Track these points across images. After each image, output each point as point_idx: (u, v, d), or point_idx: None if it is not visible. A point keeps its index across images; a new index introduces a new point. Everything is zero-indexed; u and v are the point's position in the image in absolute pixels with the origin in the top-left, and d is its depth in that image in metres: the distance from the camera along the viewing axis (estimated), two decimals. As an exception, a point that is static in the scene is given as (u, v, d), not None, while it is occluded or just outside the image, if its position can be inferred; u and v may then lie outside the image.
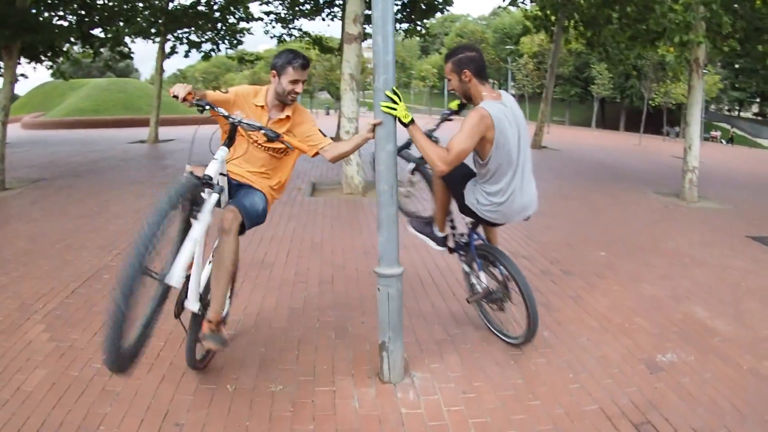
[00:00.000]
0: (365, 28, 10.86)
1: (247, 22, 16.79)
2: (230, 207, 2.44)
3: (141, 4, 13.56)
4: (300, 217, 6.18)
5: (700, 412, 2.45)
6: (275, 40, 17.92)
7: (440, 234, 3.24)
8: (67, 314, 3.31)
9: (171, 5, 14.85)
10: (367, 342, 2.99)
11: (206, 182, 2.22)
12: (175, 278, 2.05)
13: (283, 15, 17.49)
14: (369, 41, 11.66)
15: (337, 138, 8.98)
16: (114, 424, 2.22)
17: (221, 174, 2.42)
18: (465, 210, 2.95)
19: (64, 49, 10.80)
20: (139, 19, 13.51)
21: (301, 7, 17.34)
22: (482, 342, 3.09)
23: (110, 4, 12.02)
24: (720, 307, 3.85)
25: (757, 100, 46.14)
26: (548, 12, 14.79)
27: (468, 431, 2.23)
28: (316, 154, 2.66)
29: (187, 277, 2.28)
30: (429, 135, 2.74)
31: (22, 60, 9.28)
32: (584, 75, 46.80)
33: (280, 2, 17.18)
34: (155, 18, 14.23)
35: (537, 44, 44.60)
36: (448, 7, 17.29)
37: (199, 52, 16.51)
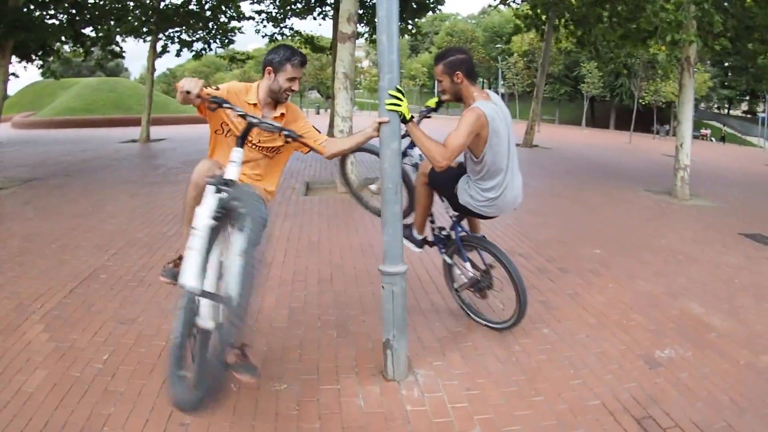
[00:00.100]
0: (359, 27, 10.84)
1: (239, 21, 16.78)
2: None
3: (132, 3, 13.47)
4: (295, 217, 6.17)
5: (699, 407, 2.49)
6: (265, 39, 17.86)
7: (419, 237, 3.34)
8: (65, 314, 3.29)
9: (162, 4, 14.77)
10: (369, 340, 3.00)
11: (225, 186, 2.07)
12: (235, 296, 1.81)
13: (274, 14, 17.44)
14: (360, 40, 11.66)
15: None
16: (118, 424, 2.21)
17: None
18: (460, 209, 3.05)
19: (55, 48, 10.71)
20: (130, 18, 13.42)
21: (292, 6, 17.29)
22: (483, 339, 3.11)
23: (101, 2, 11.92)
24: (715, 303, 3.90)
25: (747, 98, 46.65)
26: (539, 11, 14.87)
27: (473, 427, 2.25)
28: (309, 150, 2.59)
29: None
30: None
31: (13, 59, 9.19)
32: (574, 74, 47.07)
33: (272, 1, 17.14)
34: (147, 17, 14.15)
35: (527, 43, 44.82)
36: (439, 6, 17.33)
37: (191, 52, 16.44)
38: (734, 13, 8.11)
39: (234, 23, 16.75)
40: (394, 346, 2.51)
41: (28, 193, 7.44)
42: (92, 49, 13.40)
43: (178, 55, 16.29)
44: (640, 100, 34.00)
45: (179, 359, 1.92)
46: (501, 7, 17.24)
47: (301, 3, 17.24)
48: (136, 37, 14.70)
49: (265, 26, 17.74)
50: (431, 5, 16.67)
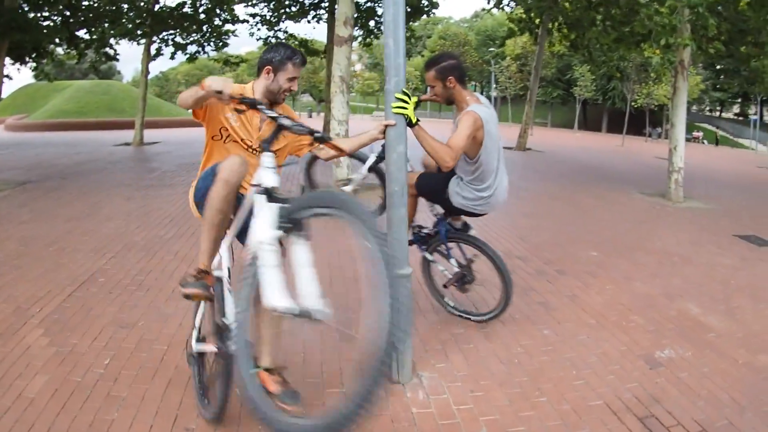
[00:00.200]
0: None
1: (233, 24, 16.74)
2: None
3: (126, 6, 13.43)
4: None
5: (701, 405, 2.52)
6: (257, 43, 17.88)
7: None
8: (65, 318, 3.26)
9: (157, 7, 14.73)
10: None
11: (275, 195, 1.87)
12: (320, 311, 1.61)
13: (268, 17, 17.44)
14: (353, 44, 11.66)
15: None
16: (122, 430, 2.19)
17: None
18: (454, 211, 3.17)
19: (49, 50, 10.66)
20: (124, 20, 13.38)
21: (286, 9, 17.30)
22: (485, 341, 3.13)
23: (95, 5, 11.88)
24: (712, 304, 3.94)
25: (738, 100, 47.11)
26: (533, 14, 14.96)
27: (480, 429, 2.25)
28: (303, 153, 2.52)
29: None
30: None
31: (7, 61, 9.14)
32: (566, 77, 47.38)
33: (266, 4, 17.14)
34: (141, 19, 14.11)
35: (520, 46, 45.02)
36: (434, 10, 17.39)
37: (185, 54, 16.40)
38: (727, 17, 8.21)
39: (228, 26, 16.74)
40: (399, 348, 2.51)
41: (23, 195, 7.38)
42: (86, 51, 13.34)
43: (172, 57, 16.24)
44: (633, 103, 34.24)
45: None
46: (494, 10, 17.35)
47: (295, 6, 17.26)
48: (130, 40, 14.66)
49: (259, 29, 17.77)
50: (426, 9, 16.73)
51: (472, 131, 2.75)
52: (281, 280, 1.61)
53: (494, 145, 2.92)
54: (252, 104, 1.98)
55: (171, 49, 15.99)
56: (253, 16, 17.29)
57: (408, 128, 2.53)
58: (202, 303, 2.32)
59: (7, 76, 9.40)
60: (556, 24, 14.46)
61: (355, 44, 15.73)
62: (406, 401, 2.44)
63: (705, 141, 40.01)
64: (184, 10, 15.13)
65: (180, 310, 3.44)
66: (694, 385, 2.71)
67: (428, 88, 2.99)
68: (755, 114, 35.58)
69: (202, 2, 15.48)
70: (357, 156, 3.55)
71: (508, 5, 16.56)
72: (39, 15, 9.53)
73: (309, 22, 17.55)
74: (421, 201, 3.33)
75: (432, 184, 3.14)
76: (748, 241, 6.01)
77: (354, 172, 7.86)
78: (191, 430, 2.20)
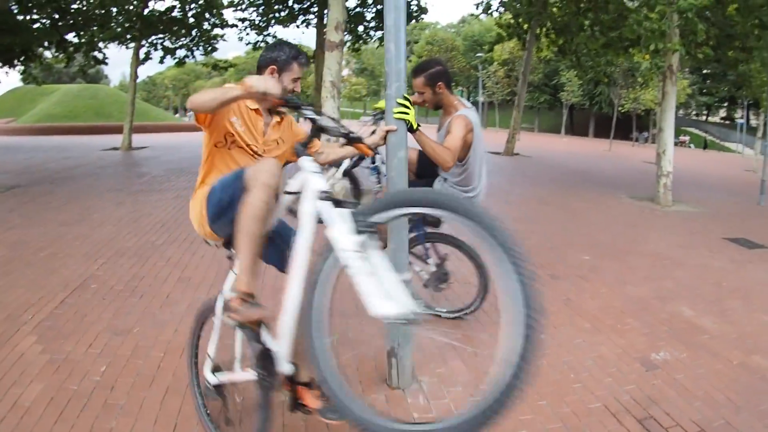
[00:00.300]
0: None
1: (222, 29, 16.70)
2: None
3: (115, 9, 13.34)
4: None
5: (697, 406, 2.55)
6: (245, 48, 17.89)
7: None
8: (58, 325, 3.22)
9: (146, 11, 14.65)
10: (370, 348, 3.00)
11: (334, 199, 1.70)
12: (422, 314, 1.48)
13: (257, 22, 17.43)
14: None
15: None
16: (121, 437, 2.17)
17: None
18: None
19: (38, 53, 10.55)
20: (113, 24, 13.29)
21: (275, 14, 17.29)
22: (482, 345, 3.13)
23: (84, 8, 11.78)
24: (704, 306, 3.99)
25: (725, 104, 47.77)
26: (521, 20, 15.08)
27: (481, 433, 2.26)
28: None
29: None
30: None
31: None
32: (553, 82, 47.68)
33: (255, 9, 17.13)
34: (130, 23, 14.03)
35: (507, 51, 45.30)
36: (422, 15, 17.48)
37: (174, 59, 16.32)
38: (715, 22, 8.34)
39: (217, 31, 16.71)
40: (399, 354, 2.51)
41: (12, 200, 7.28)
42: (75, 55, 13.22)
43: (161, 62, 16.15)
44: (620, 108, 34.59)
45: None
46: (482, 16, 17.46)
47: (284, 11, 17.25)
48: (119, 44, 14.56)
49: (248, 34, 17.82)
50: (415, 14, 16.81)
51: (464, 134, 2.86)
52: (381, 287, 1.47)
53: (480, 147, 3.05)
54: (297, 106, 1.84)
55: (160, 53, 15.92)
56: (242, 20, 17.27)
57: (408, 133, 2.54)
58: (216, 329, 2.05)
59: (-5, 79, 9.28)
60: (544, 29, 14.58)
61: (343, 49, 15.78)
62: (407, 406, 2.44)
63: (692, 145, 40.50)
64: (174, 14, 15.09)
65: (175, 316, 3.42)
66: (691, 386, 2.74)
67: (416, 94, 3.05)
68: (741, 118, 36.09)
69: (192, 6, 15.44)
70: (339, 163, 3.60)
71: (496, 11, 16.71)
72: (28, 18, 9.42)
73: (298, 26, 17.53)
74: None
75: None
76: (737, 244, 6.10)
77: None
78: (192, 438, 2.18)
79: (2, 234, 5.41)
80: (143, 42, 15.29)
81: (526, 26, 15.26)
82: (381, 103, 3.27)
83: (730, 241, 6.26)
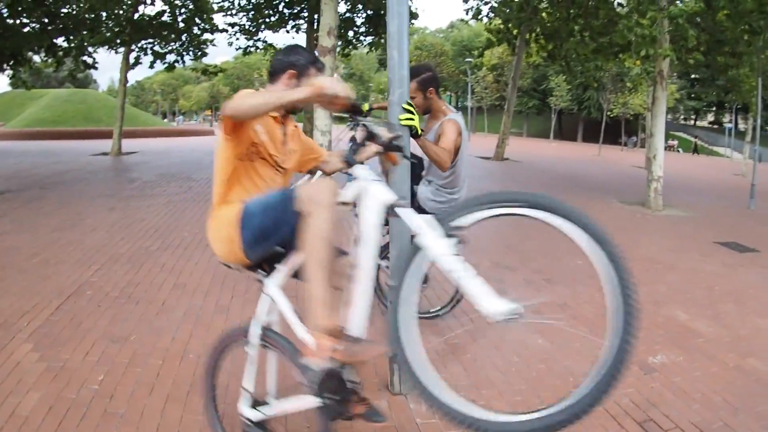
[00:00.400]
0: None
1: (211, 34, 16.68)
2: None
3: (105, 14, 13.28)
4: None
5: (696, 408, 2.59)
6: (233, 53, 17.92)
7: None
8: (54, 332, 3.18)
9: (136, 15, 14.60)
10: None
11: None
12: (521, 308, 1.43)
13: (247, 27, 17.42)
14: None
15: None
16: (122, 446, 2.15)
17: None
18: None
19: (27, 57, 10.46)
20: (103, 28, 13.22)
21: (265, 19, 17.29)
22: (481, 351, 3.15)
23: (74, 12, 11.71)
24: (698, 310, 4.04)
25: (713, 109, 48.43)
26: (510, 25, 15.19)
27: (484, 437, 2.26)
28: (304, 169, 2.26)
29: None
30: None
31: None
32: (542, 87, 48.10)
33: (244, 14, 17.12)
34: (120, 28, 13.96)
35: (496, 57, 45.61)
36: (413, 20, 17.58)
37: (164, 63, 16.26)
38: (705, 27, 8.47)
39: (207, 35, 16.69)
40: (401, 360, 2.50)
41: (3, 206, 7.18)
42: (64, 59, 13.13)
43: (151, 66, 16.08)
44: (608, 113, 34.95)
45: None
46: (471, 21, 17.58)
47: (274, 16, 17.26)
48: (109, 48, 14.48)
49: (237, 39, 17.74)
50: (405, 19, 16.89)
51: (456, 137, 2.99)
52: (488, 285, 1.44)
53: (466, 152, 3.17)
54: (360, 112, 1.75)
55: (150, 58, 15.86)
56: (232, 25, 17.26)
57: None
58: (252, 359, 1.87)
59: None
60: (534, 35, 14.71)
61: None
62: (410, 412, 2.43)
63: (680, 149, 40.96)
64: (164, 18, 15.04)
65: (172, 323, 3.40)
66: (688, 389, 2.77)
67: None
68: (730, 122, 36.62)
69: (182, 11, 15.41)
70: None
71: (486, 16, 16.84)
72: (18, 22, 9.33)
73: (288, 31, 17.54)
74: None
75: None
76: (728, 248, 6.18)
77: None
78: (194, 446, 2.16)
79: (-7, 240, 5.35)
80: (133, 47, 15.23)
81: (515, 32, 15.39)
82: (365, 107, 3.32)
83: (721, 245, 6.35)
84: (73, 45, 12.61)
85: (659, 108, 9.01)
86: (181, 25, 15.57)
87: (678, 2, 7.47)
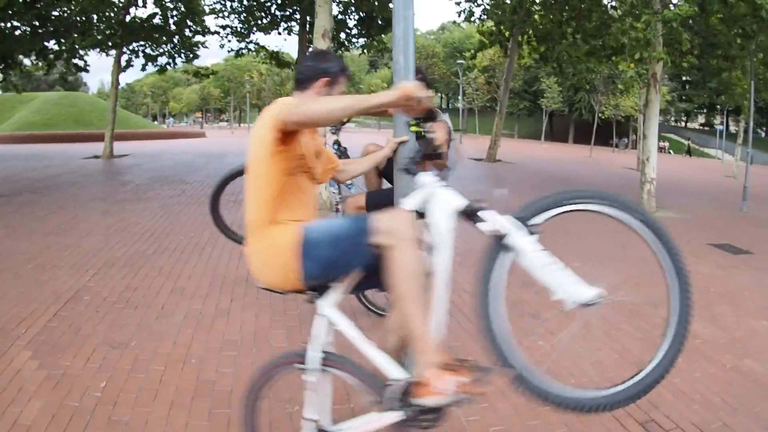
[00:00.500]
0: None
1: (203, 36, 16.62)
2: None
3: (96, 16, 13.21)
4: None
5: (695, 409, 2.63)
6: (223, 55, 17.88)
7: None
8: (53, 339, 3.16)
9: (128, 18, 14.53)
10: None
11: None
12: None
13: (239, 29, 17.37)
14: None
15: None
16: (128, 453, 2.14)
17: None
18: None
19: (18, 60, 10.38)
20: (95, 31, 13.15)
21: (257, 21, 17.25)
22: (482, 353, 3.15)
23: (66, 15, 11.64)
24: (695, 312, 4.06)
25: (704, 110, 48.87)
26: (502, 27, 15.27)
27: (490, 440, 2.28)
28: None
29: None
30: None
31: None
32: (533, 89, 48.33)
33: (236, 16, 17.08)
34: (112, 30, 13.90)
35: (488, 58, 45.77)
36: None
37: (155, 66, 16.19)
38: (698, 31, 8.56)
39: (198, 38, 16.64)
40: (406, 364, 2.51)
41: (-5, 211, 7.13)
42: (55, 62, 13.05)
43: (143, 69, 16.00)
44: (600, 114, 35.19)
45: None
46: (462, 25, 17.65)
47: (266, 18, 17.23)
48: (101, 51, 14.42)
49: (229, 41, 17.69)
50: (398, 22, 16.92)
51: (447, 137, 3.12)
52: (573, 274, 1.53)
53: (452, 151, 3.29)
54: (433, 118, 1.72)
55: (141, 60, 15.79)
56: (224, 27, 17.19)
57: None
58: (313, 385, 1.74)
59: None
60: (526, 37, 14.79)
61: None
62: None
63: (671, 151, 41.30)
64: (155, 21, 14.99)
65: (172, 328, 3.39)
66: (688, 390, 2.81)
67: None
68: (721, 124, 36.97)
69: (173, 14, 15.36)
70: None
71: (479, 18, 16.91)
72: (9, 25, 9.26)
73: (279, 33, 17.51)
74: None
75: (384, 199, 3.10)
76: (722, 250, 6.25)
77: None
78: (200, 452, 2.15)
79: (-13, 245, 5.30)
80: (125, 49, 15.17)
81: (508, 34, 15.46)
82: None
83: (714, 247, 6.41)
84: (64, 48, 12.54)
85: (652, 110, 9.09)
86: (173, 27, 15.53)
87: (671, 6, 7.52)
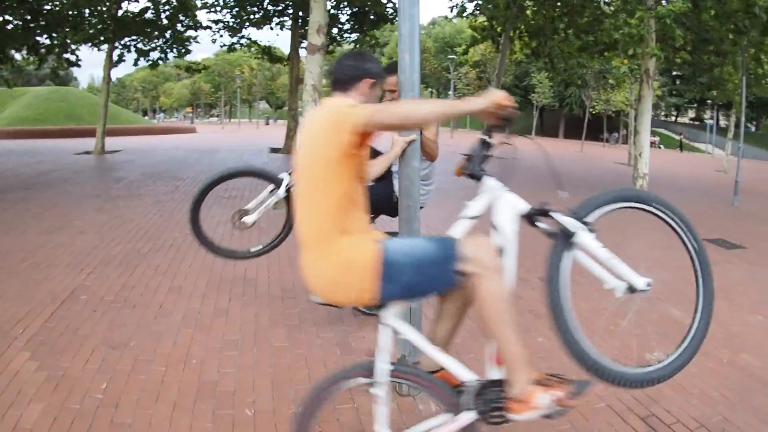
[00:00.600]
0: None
1: (195, 31, 16.51)
2: None
3: (88, 11, 13.06)
4: (270, 232, 6.08)
5: (695, 403, 2.67)
6: (214, 50, 17.77)
7: None
8: (51, 340, 3.13)
9: (120, 12, 14.39)
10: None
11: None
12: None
13: (231, 24, 17.25)
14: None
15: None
16: (132, 455, 2.12)
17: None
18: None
19: (10, 55, 10.24)
20: (86, 25, 13.00)
21: (249, 16, 17.15)
22: (482, 350, 3.16)
23: (57, 9, 11.49)
24: (690, 307, 4.06)
25: (694, 105, 49.12)
26: (494, 23, 15.23)
27: (494, 438, 2.29)
28: None
29: None
30: None
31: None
32: (524, 84, 48.36)
33: (228, 11, 16.96)
34: (104, 25, 13.75)
35: (479, 53, 45.71)
36: (398, 18, 17.51)
37: (147, 61, 16.04)
38: (690, 27, 8.60)
39: (191, 32, 16.51)
40: (408, 361, 2.52)
41: (-13, 208, 7.05)
42: (47, 57, 12.90)
43: (135, 64, 15.85)
44: (590, 109, 35.30)
45: None
46: (454, 19, 17.60)
47: (258, 13, 17.13)
48: (92, 46, 14.27)
49: (221, 36, 17.60)
50: (390, 17, 16.87)
51: (437, 130, 3.15)
52: (626, 264, 1.71)
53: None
54: (510, 124, 1.74)
55: (133, 55, 15.65)
56: (216, 22, 17.08)
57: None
58: (382, 399, 1.67)
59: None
60: (518, 32, 14.77)
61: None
62: (419, 414, 2.46)
63: (661, 146, 41.54)
64: (147, 15, 14.85)
65: (171, 327, 3.37)
66: (687, 385, 2.84)
67: (386, 93, 3.04)
68: (711, 119, 37.20)
69: (165, 8, 15.22)
70: (268, 177, 3.54)
71: (471, 14, 16.85)
72: (1, 19, 9.13)
73: (272, 28, 17.41)
74: None
75: (377, 196, 3.15)
76: (715, 245, 6.30)
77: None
78: (205, 454, 2.14)
79: (-20, 244, 5.24)
80: (116, 44, 15.03)
81: (500, 29, 15.42)
82: None
83: (708, 242, 6.46)
84: (56, 42, 12.39)
85: (645, 106, 9.14)
86: (165, 22, 15.38)
87: (664, 2, 7.55)
